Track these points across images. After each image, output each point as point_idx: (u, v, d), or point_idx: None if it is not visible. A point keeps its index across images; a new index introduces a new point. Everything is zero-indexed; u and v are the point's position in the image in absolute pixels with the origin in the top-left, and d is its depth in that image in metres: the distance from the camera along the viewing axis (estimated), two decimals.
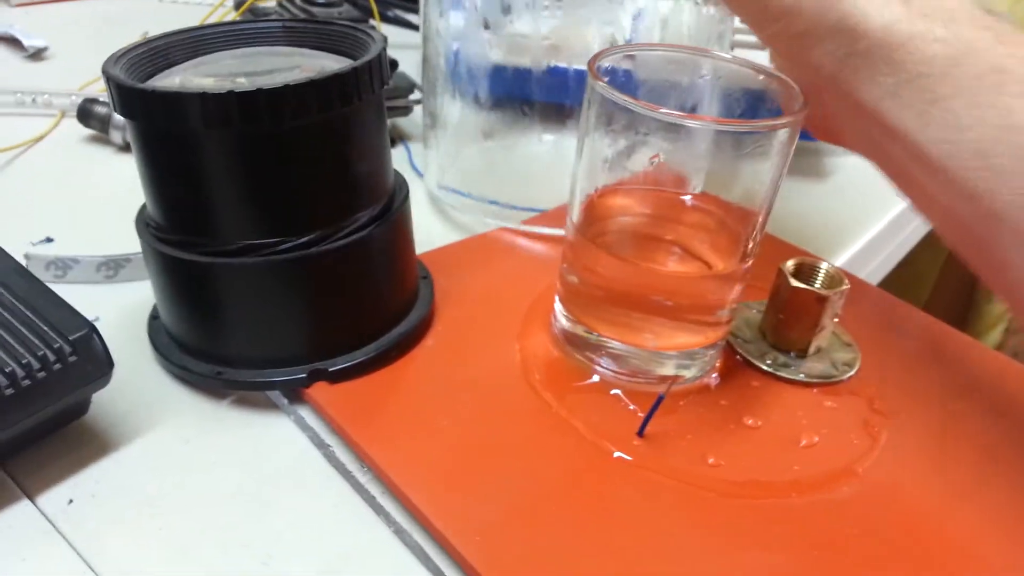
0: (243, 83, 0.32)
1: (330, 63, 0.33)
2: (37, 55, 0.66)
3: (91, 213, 0.47)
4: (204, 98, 0.27)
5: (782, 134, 0.29)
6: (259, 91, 0.27)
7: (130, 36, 0.34)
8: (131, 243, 0.40)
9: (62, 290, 0.31)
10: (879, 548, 0.28)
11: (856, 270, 0.50)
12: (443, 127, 0.48)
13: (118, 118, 0.52)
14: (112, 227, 0.44)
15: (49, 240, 0.43)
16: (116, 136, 0.52)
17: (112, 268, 0.40)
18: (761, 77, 0.32)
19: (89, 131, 0.54)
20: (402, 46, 0.64)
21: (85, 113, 0.52)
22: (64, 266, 0.39)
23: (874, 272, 0.55)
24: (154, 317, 0.36)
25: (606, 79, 0.31)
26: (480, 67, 0.45)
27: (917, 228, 0.61)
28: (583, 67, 0.32)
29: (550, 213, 0.46)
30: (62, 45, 0.69)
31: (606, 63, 0.33)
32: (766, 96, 0.33)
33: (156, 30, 0.33)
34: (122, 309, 0.38)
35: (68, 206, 0.47)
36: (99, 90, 0.59)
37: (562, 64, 0.45)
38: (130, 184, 0.49)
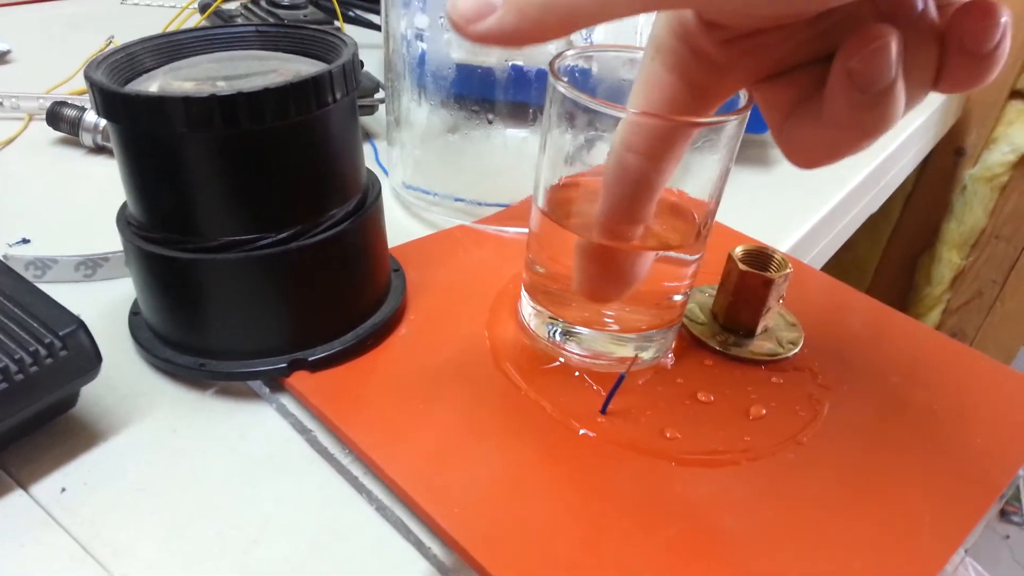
0: (223, 87, 0.33)
1: (304, 66, 0.35)
2: (0, 58, 0.66)
3: (66, 214, 0.47)
4: (187, 102, 0.29)
5: (729, 128, 0.32)
6: (239, 95, 0.29)
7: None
8: (108, 242, 0.41)
9: (42, 289, 0.32)
10: (821, 509, 0.30)
11: (800, 255, 0.53)
12: (407, 126, 0.50)
13: (88, 120, 0.52)
14: (88, 227, 0.46)
15: (26, 241, 0.44)
16: (86, 138, 0.53)
17: (90, 267, 0.41)
18: None
19: (58, 134, 0.54)
20: (364, 45, 0.66)
21: (54, 116, 0.53)
22: (43, 266, 0.40)
23: (817, 257, 0.58)
24: (135, 313, 0.37)
25: (566, 79, 0.33)
26: (442, 67, 0.46)
27: (858, 215, 0.65)
28: (543, 67, 0.34)
29: (514, 207, 0.48)
30: (25, 48, 0.69)
31: (566, 63, 0.35)
32: None
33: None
34: (102, 306, 0.39)
35: (42, 208, 0.48)
36: (66, 93, 0.60)
37: (523, 63, 0.47)
38: (103, 185, 0.51)
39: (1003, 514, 1.39)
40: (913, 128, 0.73)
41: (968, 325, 1.07)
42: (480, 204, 0.49)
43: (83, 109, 0.53)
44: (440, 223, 0.49)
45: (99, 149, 0.54)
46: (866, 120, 0.23)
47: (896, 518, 0.30)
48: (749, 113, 0.32)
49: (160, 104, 0.29)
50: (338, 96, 0.32)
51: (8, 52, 0.67)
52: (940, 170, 1.01)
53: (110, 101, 0.30)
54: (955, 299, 1.07)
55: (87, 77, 0.31)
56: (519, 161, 0.48)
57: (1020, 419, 0.36)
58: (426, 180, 0.50)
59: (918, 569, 0.28)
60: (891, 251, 1.09)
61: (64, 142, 0.55)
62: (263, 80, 0.33)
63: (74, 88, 0.61)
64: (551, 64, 0.34)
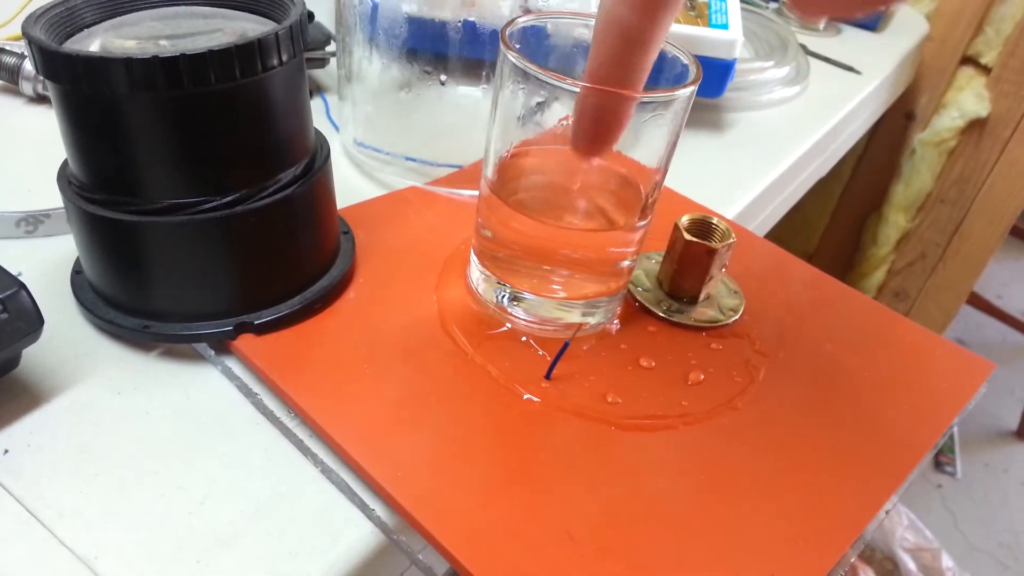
0: (166, 46, 0.33)
1: (250, 25, 0.34)
2: None
3: (4, 166, 0.46)
4: (129, 63, 0.28)
5: (678, 103, 0.32)
6: (182, 56, 0.28)
7: None
8: (49, 197, 0.40)
9: None
10: (752, 471, 0.32)
11: (749, 219, 0.54)
12: (359, 80, 0.49)
13: (28, 69, 0.51)
14: (28, 180, 0.45)
15: None
16: (26, 87, 0.51)
17: (32, 223, 0.40)
18: (667, 48, 0.35)
19: None
20: None
21: None
22: None
23: (767, 220, 0.59)
24: (77, 272, 0.37)
25: (518, 46, 0.33)
26: (394, 21, 0.46)
27: (808, 178, 0.66)
28: (497, 26, 0.33)
29: (467, 170, 0.48)
30: None
31: (517, 29, 0.35)
32: (665, 64, 0.35)
33: None
34: (43, 264, 0.39)
35: None
36: (3, 39, 0.58)
37: (475, 20, 0.46)
38: (43, 136, 0.49)
39: (937, 464, 1.45)
40: (866, 93, 0.74)
41: (911, 285, 1.10)
42: (432, 164, 0.49)
43: (23, 57, 0.51)
44: (392, 183, 0.49)
45: (39, 99, 0.52)
46: None
47: (824, 480, 0.32)
48: (695, 89, 0.33)
49: (102, 65, 0.28)
50: (285, 58, 0.31)
51: None
52: (890, 133, 1.03)
53: (50, 60, 0.29)
54: (899, 260, 1.09)
55: (25, 33, 0.30)
56: (472, 121, 0.48)
57: (945, 386, 0.37)
58: (378, 138, 0.50)
59: (842, 527, 0.30)
60: (840, 212, 1.11)
61: (2, 90, 0.53)
62: (207, 40, 0.33)
63: (13, 34, 0.59)
64: (502, 32, 0.33)
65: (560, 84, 0.31)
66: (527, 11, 0.47)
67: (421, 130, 0.50)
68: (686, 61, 0.34)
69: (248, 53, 0.30)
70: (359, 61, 0.48)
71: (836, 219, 1.12)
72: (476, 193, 0.46)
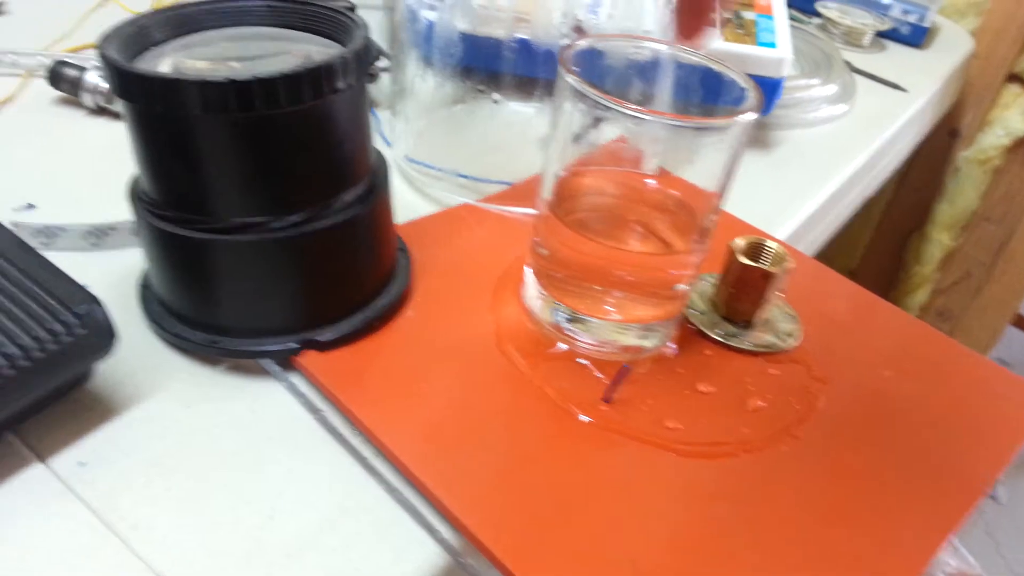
0: (237, 68, 0.33)
1: (315, 48, 0.35)
2: None
3: (69, 178, 0.47)
4: (204, 85, 0.29)
5: (737, 128, 0.32)
6: (255, 80, 0.29)
7: None
8: (112, 209, 0.41)
9: (54, 263, 0.33)
10: (813, 502, 0.32)
11: (796, 241, 0.54)
12: (412, 96, 0.50)
13: (89, 81, 0.52)
14: (92, 192, 0.46)
15: (31, 207, 0.44)
16: (87, 99, 0.52)
17: (98, 236, 0.41)
18: (725, 71, 0.35)
19: (57, 92, 0.54)
20: (363, 6, 0.65)
21: (56, 76, 0.52)
22: (51, 234, 0.41)
23: (814, 242, 0.59)
24: (145, 286, 0.38)
25: (577, 69, 0.33)
26: (448, 38, 0.46)
27: (854, 199, 0.66)
28: (550, 43, 0.33)
29: (518, 187, 0.48)
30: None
31: (576, 51, 0.35)
32: (723, 87, 0.35)
33: None
34: (109, 276, 0.40)
35: (45, 171, 0.48)
36: (63, 50, 0.59)
37: (528, 36, 0.46)
38: (105, 148, 0.51)
39: None
40: (913, 111, 0.73)
41: (955, 305, 1.08)
42: (483, 181, 0.49)
43: (84, 70, 0.52)
44: (442, 199, 0.49)
45: (100, 111, 0.53)
46: None
47: (884, 514, 0.32)
48: (756, 114, 0.33)
49: (177, 86, 0.29)
50: (351, 81, 0.32)
51: (3, 3, 0.66)
52: (934, 151, 1.02)
53: (125, 80, 0.30)
54: (943, 279, 1.08)
55: (101, 54, 0.31)
56: (524, 138, 0.49)
57: (1005, 416, 0.37)
58: (429, 154, 0.50)
59: (904, 563, 0.30)
60: (882, 230, 1.10)
61: (64, 101, 0.55)
62: (276, 63, 0.33)
63: (72, 45, 0.61)
64: (561, 54, 0.34)
65: (620, 109, 0.31)
66: (578, 28, 0.48)
67: (472, 146, 0.51)
68: (744, 85, 0.34)
69: (318, 77, 0.30)
70: (412, 78, 0.49)
71: (878, 237, 1.10)
72: (527, 211, 0.47)
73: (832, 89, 0.68)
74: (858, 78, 0.76)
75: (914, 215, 1.08)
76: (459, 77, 0.47)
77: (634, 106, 0.31)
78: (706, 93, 0.36)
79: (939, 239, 1.05)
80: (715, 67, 0.35)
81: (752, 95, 0.33)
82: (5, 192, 0.45)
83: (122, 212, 0.42)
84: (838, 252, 1.11)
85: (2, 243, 0.33)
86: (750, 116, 0.32)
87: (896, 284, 1.13)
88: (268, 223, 0.33)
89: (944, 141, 1.01)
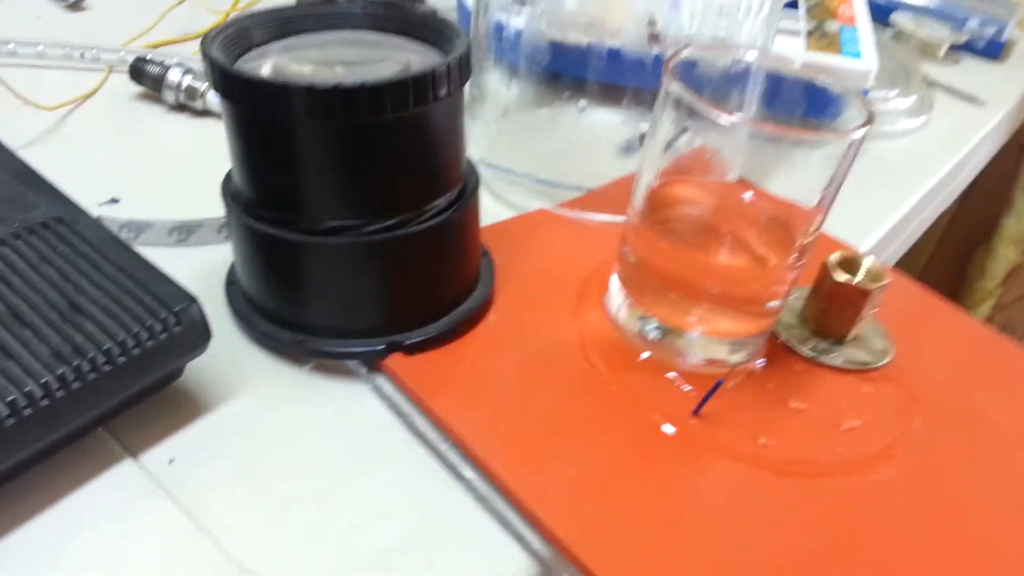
0: (341, 73, 0.33)
1: (414, 55, 0.34)
2: (76, 5, 0.66)
3: (152, 173, 0.48)
4: (311, 91, 0.29)
5: (843, 144, 0.31)
6: (363, 87, 0.29)
7: None
8: (198, 206, 0.42)
9: (150, 261, 0.33)
10: (916, 530, 0.31)
11: (879, 252, 0.53)
12: (491, 100, 0.50)
13: (171, 79, 0.53)
14: (175, 188, 0.46)
15: (115, 201, 0.44)
16: (168, 95, 0.53)
17: (184, 232, 0.41)
18: (832, 86, 0.34)
19: (138, 88, 0.55)
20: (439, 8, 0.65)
21: (138, 72, 0.53)
22: (137, 229, 0.41)
23: (892, 256, 0.58)
24: (231, 282, 0.38)
25: (681, 79, 0.33)
26: (538, 47, 0.46)
27: (931, 213, 0.64)
28: (639, 51, 0.32)
29: (596, 192, 0.47)
30: None
31: (680, 62, 0.34)
32: (832, 101, 0.34)
33: None
34: (194, 273, 0.39)
35: (127, 165, 0.48)
36: (143, 46, 0.60)
37: (617, 44, 0.46)
38: (186, 145, 0.51)
39: None
40: (992, 125, 0.71)
41: (1018, 321, 1.05)
42: (560, 187, 0.48)
43: (168, 67, 0.53)
44: (518, 203, 0.49)
45: (180, 107, 0.54)
46: None
47: (985, 544, 0.30)
48: (866, 131, 0.32)
49: (284, 91, 0.29)
50: (452, 89, 0.32)
51: None
52: (1002, 165, 0.99)
53: (231, 82, 0.30)
54: (1007, 295, 1.05)
55: (205, 55, 0.31)
56: (603, 145, 0.48)
57: None
58: (507, 158, 0.50)
59: None
60: (946, 242, 1.07)
61: (144, 97, 0.55)
62: (379, 69, 0.33)
63: (152, 41, 0.61)
64: (666, 64, 0.33)
65: (726, 121, 0.31)
66: (653, 36, 0.47)
67: (550, 151, 0.50)
68: (853, 99, 0.33)
69: (423, 84, 0.30)
70: (493, 82, 0.49)
71: (941, 249, 1.08)
72: (606, 217, 0.46)
73: (910, 101, 0.67)
74: (934, 90, 0.74)
75: (980, 229, 1.05)
76: (545, 84, 0.47)
77: (747, 119, 0.31)
78: (809, 107, 0.35)
79: (1005, 254, 1.02)
80: (819, 80, 0.34)
81: (863, 110, 0.33)
82: (89, 186, 0.45)
83: (204, 209, 0.42)
84: (899, 265, 1.09)
85: (95, 237, 0.34)
86: (861, 132, 0.31)
87: (958, 298, 1.11)
88: (362, 226, 0.33)
89: (1013, 155, 0.98)
